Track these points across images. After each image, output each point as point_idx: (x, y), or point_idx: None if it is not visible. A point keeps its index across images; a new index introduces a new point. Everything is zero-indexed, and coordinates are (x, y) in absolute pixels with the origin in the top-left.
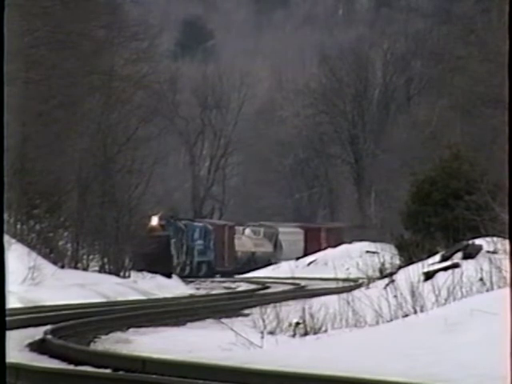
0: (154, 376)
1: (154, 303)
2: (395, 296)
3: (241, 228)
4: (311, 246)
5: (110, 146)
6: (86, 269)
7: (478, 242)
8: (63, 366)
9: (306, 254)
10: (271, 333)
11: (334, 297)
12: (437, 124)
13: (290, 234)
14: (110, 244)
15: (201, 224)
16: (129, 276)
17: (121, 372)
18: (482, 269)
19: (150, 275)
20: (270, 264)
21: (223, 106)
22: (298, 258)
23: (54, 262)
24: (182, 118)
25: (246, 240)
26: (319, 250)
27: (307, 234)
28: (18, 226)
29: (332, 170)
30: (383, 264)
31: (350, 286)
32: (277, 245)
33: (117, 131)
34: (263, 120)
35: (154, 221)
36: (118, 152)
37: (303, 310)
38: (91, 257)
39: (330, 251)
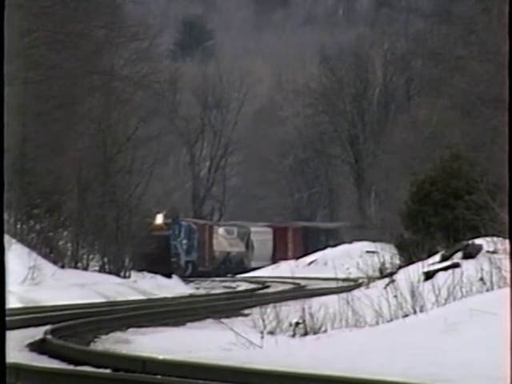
0: (154, 376)
1: (153, 303)
2: (395, 296)
3: (216, 227)
4: (279, 245)
5: (110, 146)
6: (86, 269)
7: (478, 241)
8: (63, 366)
9: (274, 254)
10: (271, 333)
11: (334, 297)
12: (437, 124)
13: (261, 234)
14: (110, 244)
15: (185, 223)
16: (129, 276)
17: (121, 372)
18: (482, 269)
19: (150, 275)
20: (244, 269)
21: (223, 105)
22: (297, 258)
23: (54, 262)
24: (182, 118)
25: (222, 240)
26: (286, 249)
27: (275, 233)
28: (18, 226)
29: (332, 170)
30: (383, 264)
31: (350, 285)
32: (248, 244)
33: (117, 131)
34: (263, 120)
35: (159, 219)
36: (118, 152)
37: (303, 309)
38: (91, 257)
39: (330, 251)
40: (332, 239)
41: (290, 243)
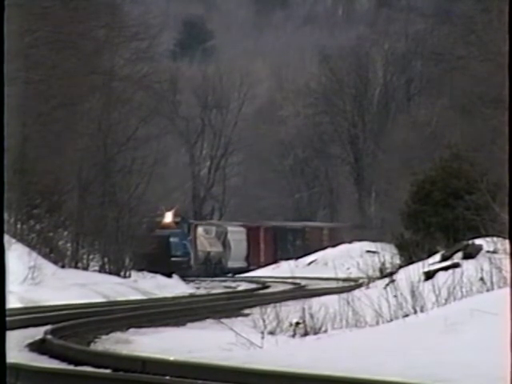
0: (154, 376)
1: (154, 303)
2: (395, 296)
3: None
4: (253, 245)
5: (110, 146)
6: (86, 268)
7: (478, 241)
8: (63, 366)
9: (248, 254)
10: (271, 333)
11: (334, 297)
12: (437, 124)
13: (236, 233)
14: (110, 244)
15: None
16: (129, 276)
17: (121, 372)
18: (482, 269)
19: (150, 275)
20: (222, 269)
21: (223, 105)
22: (297, 258)
23: (55, 262)
24: (182, 117)
25: (203, 239)
26: (258, 249)
27: (249, 233)
28: (18, 226)
29: (332, 170)
30: (383, 264)
31: (350, 285)
32: (225, 244)
33: (117, 131)
34: (263, 120)
35: (168, 217)
36: (118, 152)
37: (303, 309)
38: (91, 256)
39: (330, 251)
40: (298, 239)
41: (262, 243)
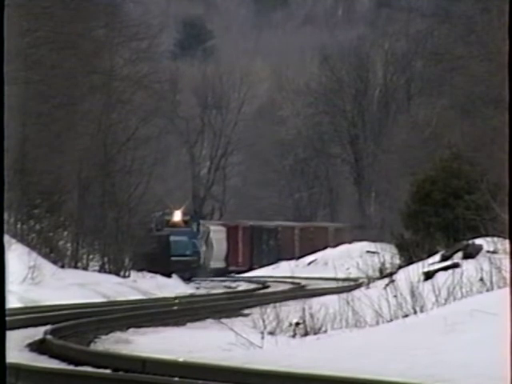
0: (154, 376)
1: (154, 303)
2: (395, 296)
3: None
4: (232, 244)
5: (109, 146)
6: (86, 268)
7: (478, 241)
8: (63, 366)
9: (228, 253)
10: (271, 333)
11: (334, 297)
12: (437, 124)
13: (218, 233)
14: (110, 244)
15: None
16: (129, 276)
17: (121, 372)
18: (482, 269)
19: (149, 275)
20: (205, 269)
21: (223, 105)
22: (298, 258)
23: (54, 262)
24: (181, 118)
25: None
26: (237, 248)
27: (229, 232)
28: (18, 226)
29: (332, 170)
30: (383, 264)
31: (350, 285)
32: (208, 243)
33: (117, 131)
34: (263, 120)
35: (177, 216)
36: (118, 152)
37: (303, 310)
38: (91, 256)
39: (330, 251)
40: (272, 239)
41: (241, 242)
